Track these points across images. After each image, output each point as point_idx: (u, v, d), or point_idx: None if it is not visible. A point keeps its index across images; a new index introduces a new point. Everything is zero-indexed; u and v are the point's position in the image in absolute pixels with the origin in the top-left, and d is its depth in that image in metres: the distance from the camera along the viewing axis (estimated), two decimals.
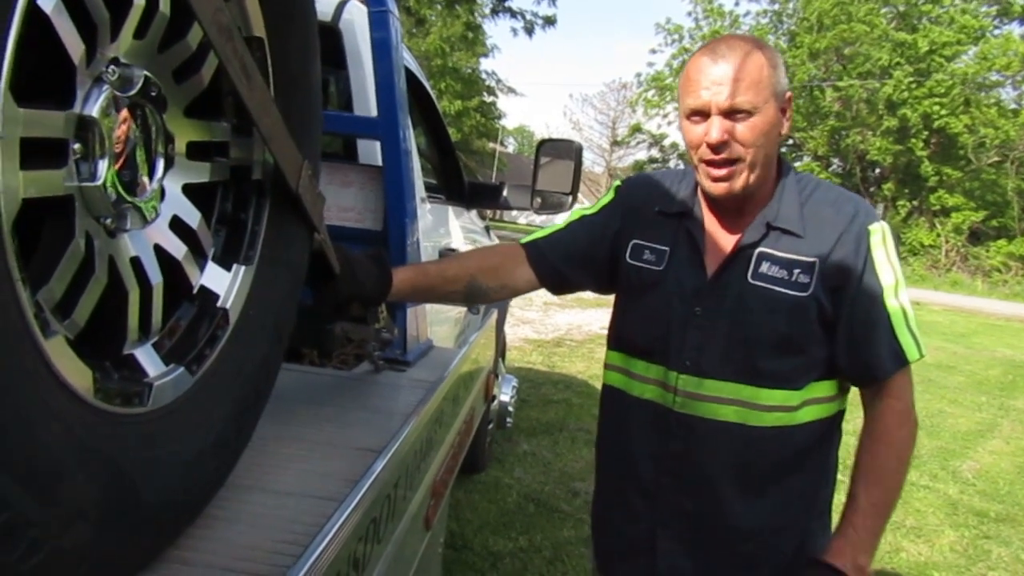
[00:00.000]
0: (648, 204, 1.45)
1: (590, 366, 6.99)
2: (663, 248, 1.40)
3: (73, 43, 0.59)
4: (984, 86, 26.06)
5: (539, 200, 2.96)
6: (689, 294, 1.35)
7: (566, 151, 2.98)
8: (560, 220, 1.59)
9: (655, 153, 32.68)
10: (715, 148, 1.25)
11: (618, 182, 1.56)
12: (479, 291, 1.49)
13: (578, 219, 1.55)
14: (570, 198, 2.92)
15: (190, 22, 0.73)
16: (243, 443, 0.92)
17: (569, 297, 11.80)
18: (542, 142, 3.01)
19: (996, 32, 26.04)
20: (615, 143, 35.05)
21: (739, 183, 1.27)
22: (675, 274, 1.38)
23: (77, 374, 0.60)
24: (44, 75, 0.58)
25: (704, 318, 1.34)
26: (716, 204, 1.37)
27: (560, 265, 1.51)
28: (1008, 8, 25.75)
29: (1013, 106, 25.88)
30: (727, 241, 1.36)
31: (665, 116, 31.41)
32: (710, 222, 1.39)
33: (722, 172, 1.27)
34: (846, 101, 27.57)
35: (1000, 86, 26.28)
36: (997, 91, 26.31)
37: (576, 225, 1.54)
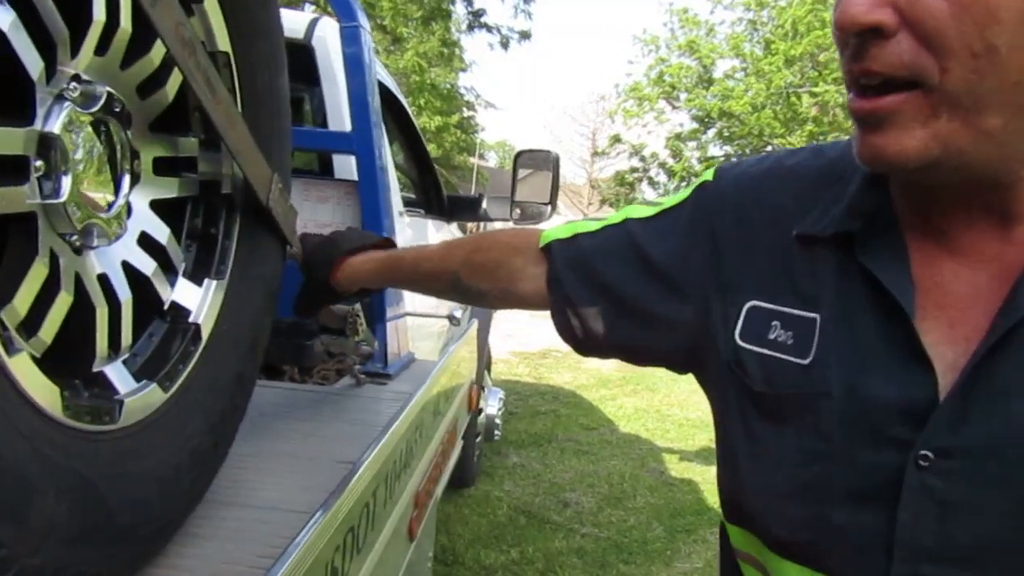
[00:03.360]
0: (775, 221, 0.72)
1: (577, 376, 7.00)
2: (807, 315, 0.68)
3: (31, 60, 0.59)
4: None
5: (518, 211, 2.97)
6: (893, 422, 0.62)
7: (543, 161, 3.00)
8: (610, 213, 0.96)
9: (636, 163, 32.88)
10: (856, 50, 0.57)
11: (708, 175, 0.81)
12: (469, 293, 1.01)
13: (628, 232, 0.82)
14: (549, 208, 2.94)
15: (152, 37, 0.74)
16: (220, 458, 0.91)
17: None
18: (519, 153, 3.04)
19: None
20: (596, 154, 35.25)
21: (910, 141, 0.56)
22: (843, 375, 0.65)
23: (44, 392, 0.60)
24: (2, 92, 0.58)
25: (943, 475, 0.59)
26: (937, 200, 0.63)
27: (582, 304, 0.83)
28: None
29: None
30: (976, 290, 0.62)
31: (644, 126, 31.61)
32: (926, 246, 0.65)
33: (868, 106, 0.58)
34: (823, 106, 27.89)
35: None
36: None
37: (623, 239, 0.82)
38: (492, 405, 3.93)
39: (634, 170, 32.76)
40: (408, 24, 15.82)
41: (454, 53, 17.48)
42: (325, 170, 2.08)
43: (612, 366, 7.52)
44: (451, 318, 2.04)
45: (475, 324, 2.26)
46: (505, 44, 17.34)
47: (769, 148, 30.33)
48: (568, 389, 6.49)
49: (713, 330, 0.75)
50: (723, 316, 0.74)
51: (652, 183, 33.50)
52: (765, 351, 0.70)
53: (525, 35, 17.40)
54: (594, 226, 0.86)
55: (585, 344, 0.87)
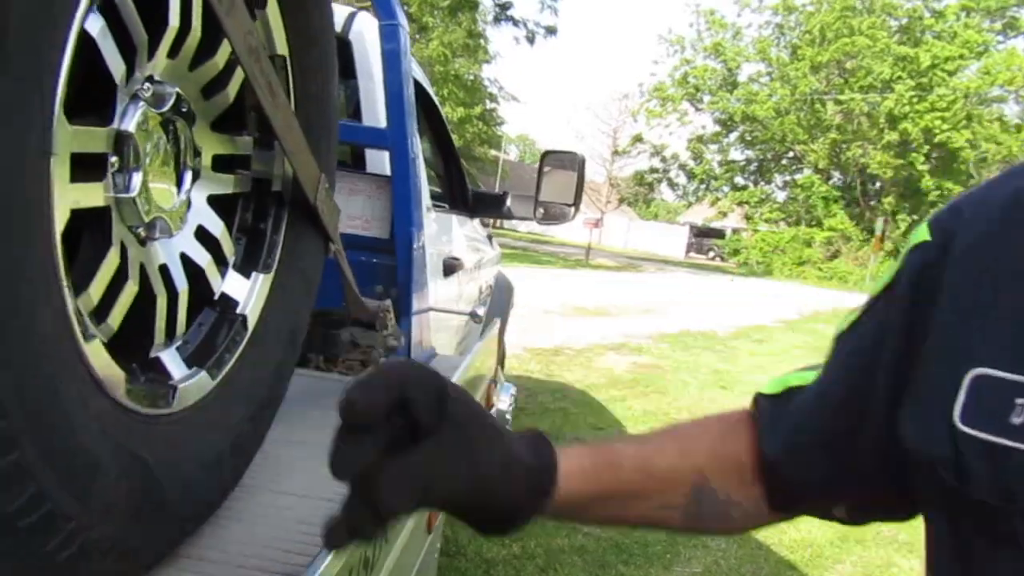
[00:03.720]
0: None
1: (588, 375, 7.03)
2: None
3: (115, 63, 0.62)
4: (987, 100, 26.24)
5: (542, 210, 3.00)
6: None
7: (569, 162, 3.02)
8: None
9: (656, 163, 32.82)
10: None
11: (921, 234, 0.59)
12: (715, 506, 0.68)
13: (832, 363, 0.66)
14: (572, 209, 2.97)
15: (219, 41, 0.77)
16: (257, 445, 0.95)
17: (569, 305, 11.87)
18: (546, 153, 3.05)
19: (1000, 47, 26.24)
20: (616, 152, 35.14)
21: None
22: None
23: (111, 375, 0.64)
24: (88, 93, 0.61)
25: None
26: None
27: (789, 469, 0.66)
28: (1013, 23, 25.95)
29: (1016, 121, 26.04)
30: None
31: (667, 126, 31.53)
32: None
33: None
34: (847, 114, 27.74)
35: (1002, 101, 26.48)
36: (1000, 106, 26.52)
37: (829, 377, 0.66)
38: (503, 400, 3.95)
39: (654, 170, 32.74)
40: (434, 13, 15.85)
41: (479, 44, 17.51)
42: (357, 163, 2.12)
43: (624, 366, 7.55)
44: (474, 315, 2.07)
45: (497, 323, 2.29)
46: (531, 39, 17.39)
47: (791, 154, 30.26)
48: (578, 388, 6.52)
49: (911, 418, 0.55)
50: (928, 396, 0.53)
51: (671, 184, 33.44)
52: (1002, 440, 0.48)
53: (551, 30, 17.43)
54: (810, 376, 0.67)
55: (817, 509, 0.68)
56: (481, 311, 2.13)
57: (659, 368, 7.75)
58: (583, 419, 5.59)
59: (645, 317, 11.32)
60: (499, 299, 3.72)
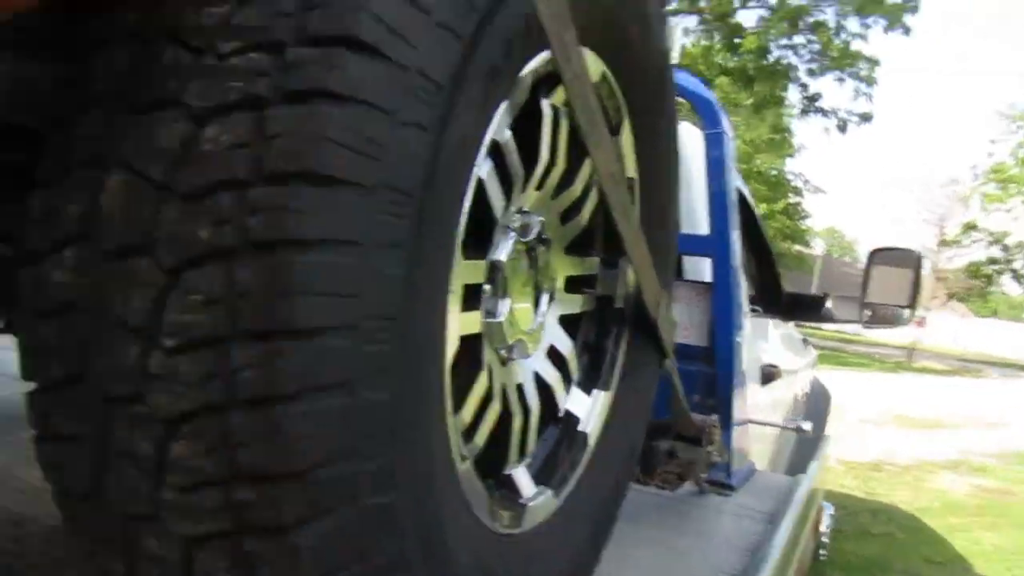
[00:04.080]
0: None
1: (917, 497, 6.11)
2: None
3: (497, 200, 0.67)
4: None
5: (869, 313, 2.72)
6: None
7: (902, 260, 2.73)
8: None
9: (995, 253, 28.62)
10: None
11: None
12: None
13: None
14: (908, 311, 2.65)
15: (578, 170, 0.81)
16: (595, 564, 0.93)
17: (890, 413, 10.56)
18: (875, 251, 2.80)
19: None
20: (944, 243, 31.34)
21: None
22: None
23: (477, 495, 0.66)
24: (475, 229, 0.67)
25: None
26: None
27: None
28: None
29: None
30: None
31: (1009, 211, 27.50)
32: None
33: None
34: None
35: None
36: None
37: None
38: (822, 521, 3.58)
39: (993, 261, 28.52)
40: (738, 112, 15.78)
41: (784, 139, 17.00)
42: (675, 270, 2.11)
43: (964, 489, 6.46)
44: (799, 430, 1.90)
45: (829, 439, 2.08)
46: (843, 127, 16.46)
47: None
48: (905, 511, 5.68)
49: None
50: None
51: (1017, 276, 28.86)
52: None
53: (865, 117, 16.33)
54: None
55: None
56: (807, 425, 1.95)
57: (1012, 494, 6.50)
58: (915, 549, 4.83)
59: (988, 431, 9.67)
60: (815, 407, 3.41)
